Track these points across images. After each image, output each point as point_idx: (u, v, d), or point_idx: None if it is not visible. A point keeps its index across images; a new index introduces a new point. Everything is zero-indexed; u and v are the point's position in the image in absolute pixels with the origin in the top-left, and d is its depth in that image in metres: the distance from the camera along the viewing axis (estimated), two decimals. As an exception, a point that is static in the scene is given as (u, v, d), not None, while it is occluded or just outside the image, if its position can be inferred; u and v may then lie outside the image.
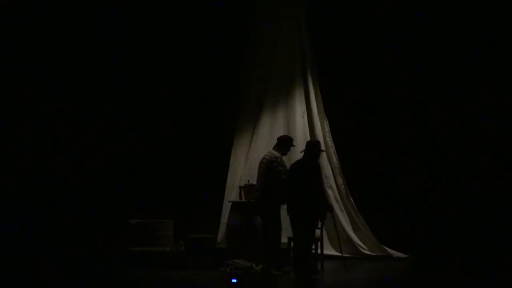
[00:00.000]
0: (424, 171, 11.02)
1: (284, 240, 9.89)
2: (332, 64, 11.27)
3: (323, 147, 10.72)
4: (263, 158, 9.18)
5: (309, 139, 11.02)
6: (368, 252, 10.75)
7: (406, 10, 11.07)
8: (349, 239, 10.75)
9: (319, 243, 9.55)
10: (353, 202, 11.01)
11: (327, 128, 11.21)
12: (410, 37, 11.09)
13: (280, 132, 11.12)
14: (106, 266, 9.66)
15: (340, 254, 9.76)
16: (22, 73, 10.93)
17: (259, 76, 11.40)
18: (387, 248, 10.74)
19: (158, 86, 11.43)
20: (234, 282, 8.75)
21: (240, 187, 10.36)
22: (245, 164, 11.16)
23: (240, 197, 10.20)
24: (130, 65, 11.27)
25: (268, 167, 9.03)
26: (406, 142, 11.11)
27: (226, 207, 10.57)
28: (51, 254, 9.84)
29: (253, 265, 9.44)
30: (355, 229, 10.91)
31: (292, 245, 9.41)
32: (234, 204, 10.10)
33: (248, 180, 10.32)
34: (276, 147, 9.30)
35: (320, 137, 11.00)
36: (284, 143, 9.34)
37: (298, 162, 9.09)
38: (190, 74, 11.47)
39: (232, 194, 10.84)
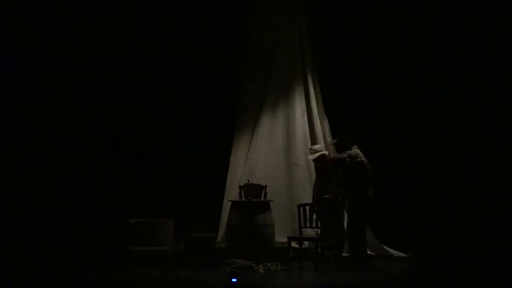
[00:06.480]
0: (424, 171, 11.00)
1: (283, 239, 9.94)
2: (332, 64, 11.27)
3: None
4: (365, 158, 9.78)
5: (309, 138, 11.05)
6: (368, 252, 10.73)
7: (406, 9, 11.07)
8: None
9: (318, 242, 9.60)
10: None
11: (327, 128, 11.20)
12: (410, 36, 11.08)
13: (280, 131, 11.13)
14: (106, 266, 9.66)
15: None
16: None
17: (259, 76, 11.39)
18: (387, 248, 10.74)
19: (158, 85, 11.43)
20: (234, 282, 8.75)
21: (240, 186, 10.35)
22: (245, 164, 11.16)
23: (240, 197, 10.20)
24: (129, 64, 11.26)
25: None
26: (406, 142, 11.10)
27: (226, 207, 10.57)
28: (50, 254, 9.82)
29: (253, 264, 9.43)
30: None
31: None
32: (234, 204, 10.11)
33: (248, 180, 10.34)
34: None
35: (320, 137, 11.01)
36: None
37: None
38: (190, 73, 11.46)
39: (232, 193, 10.82)
